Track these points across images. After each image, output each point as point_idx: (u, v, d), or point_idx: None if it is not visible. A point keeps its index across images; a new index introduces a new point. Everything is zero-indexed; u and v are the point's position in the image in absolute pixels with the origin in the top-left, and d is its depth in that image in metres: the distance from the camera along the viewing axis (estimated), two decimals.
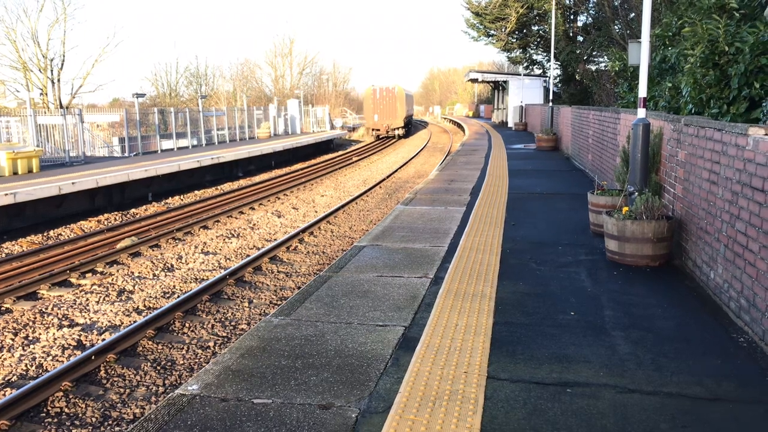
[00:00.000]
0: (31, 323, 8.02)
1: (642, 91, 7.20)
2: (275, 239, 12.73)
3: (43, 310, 8.49)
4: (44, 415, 5.69)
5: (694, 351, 4.33)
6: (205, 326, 7.82)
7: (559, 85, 33.88)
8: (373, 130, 42.85)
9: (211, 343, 7.29)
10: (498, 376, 3.98)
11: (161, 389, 6.19)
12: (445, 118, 76.93)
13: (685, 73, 7.69)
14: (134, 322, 7.92)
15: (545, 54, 36.86)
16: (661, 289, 5.75)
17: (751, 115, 6.38)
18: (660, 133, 7.38)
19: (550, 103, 24.24)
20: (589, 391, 3.75)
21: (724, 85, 6.86)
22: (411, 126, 49.89)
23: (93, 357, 6.56)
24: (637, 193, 6.93)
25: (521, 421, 3.42)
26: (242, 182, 22.22)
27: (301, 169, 24.80)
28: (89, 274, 10.31)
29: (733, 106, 6.58)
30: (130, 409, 5.79)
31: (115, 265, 10.88)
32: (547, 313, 5.14)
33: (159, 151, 25.20)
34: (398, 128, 42.56)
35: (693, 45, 7.33)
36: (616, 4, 24.06)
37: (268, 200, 17.70)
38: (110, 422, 5.57)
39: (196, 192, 19.87)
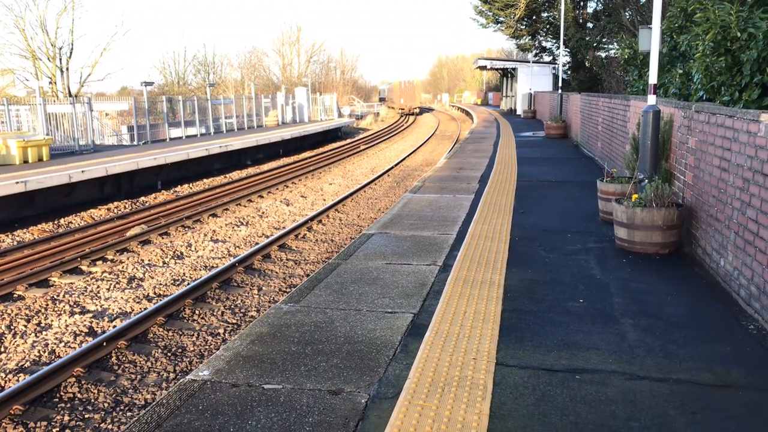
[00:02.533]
0: (43, 310, 8.10)
1: (652, 77, 7.15)
2: (284, 227, 12.76)
3: (55, 297, 8.57)
4: (57, 400, 5.76)
5: (704, 338, 4.33)
6: (215, 313, 7.87)
7: (569, 72, 33.63)
8: (399, 109, 58.46)
9: (221, 330, 7.34)
10: (507, 363, 3.99)
11: (172, 375, 6.25)
12: (453, 106, 76.63)
13: (695, 59, 7.62)
14: (145, 309, 7.99)
15: (554, 41, 36.57)
16: (670, 276, 5.74)
17: (763, 102, 6.31)
18: (670, 120, 7.33)
19: (559, 91, 24.10)
20: (598, 378, 3.76)
21: (735, 72, 6.78)
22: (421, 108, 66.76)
23: (104, 343, 6.63)
24: (646, 181, 6.90)
25: (530, 407, 3.43)
26: (250, 170, 22.26)
27: (309, 158, 24.80)
28: (100, 262, 10.38)
29: (746, 92, 6.51)
30: (142, 394, 5.86)
31: (125, 253, 10.95)
32: (555, 301, 5.14)
33: (167, 140, 25.26)
34: (415, 108, 58.87)
35: (704, 31, 7.25)
36: None
37: (277, 188, 17.74)
38: (122, 407, 5.64)
39: (204, 180, 19.93)
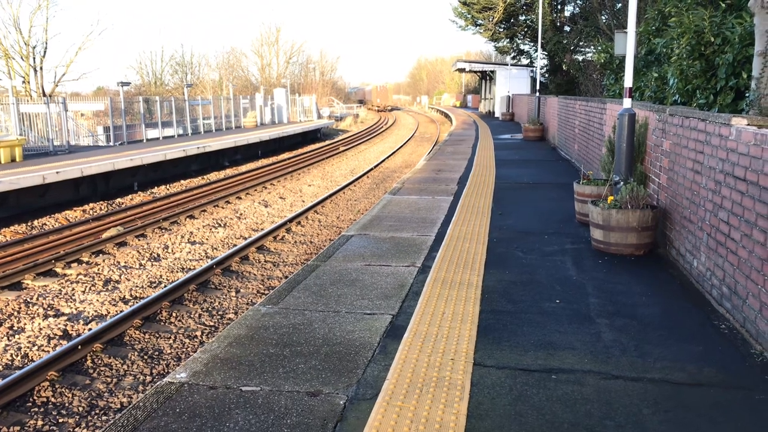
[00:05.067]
0: (16, 313, 7.96)
1: (628, 81, 7.25)
2: (262, 229, 12.70)
3: (28, 300, 8.43)
4: (30, 404, 5.67)
5: (677, 338, 4.40)
6: (192, 316, 7.81)
7: (546, 75, 33.95)
8: (376, 106, 77.07)
9: (198, 333, 7.28)
10: (484, 363, 4.02)
11: (149, 378, 6.19)
12: (432, 108, 77.17)
13: (671, 63, 7.75)
14: (121, 311, 7.89)
15: (532, 44, 36.90)
16: (645, 277, 5.82)
17: (737, 106, 6.44)
18: (645, 123, 7.44)
19: (537, 93, 24.31)
20: (574, 378, 3.81)
21: (710, 76, 6.92)
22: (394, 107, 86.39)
23: (79, 347, 6.54)
24: (622, 183, 6.99)
25: (507, 407, 3.46)
26: (229, 172, 22.11)
27: (288, 159, 24.71)
28: (75, 264, 10.24)
29: (720, 96, 6.64)
30: (118, 398, 5.79)
31: (100, 255, 10.81)
32: (533, 301, 5.19)
33: (144, 141, 24.99)
34: (388, 106, 78.34)
35: (679, 35, 7.38)
36: None
37: (255, 190, 17.64)
38: (97, 411, 5.57)
39: (182, 181, 19.75)
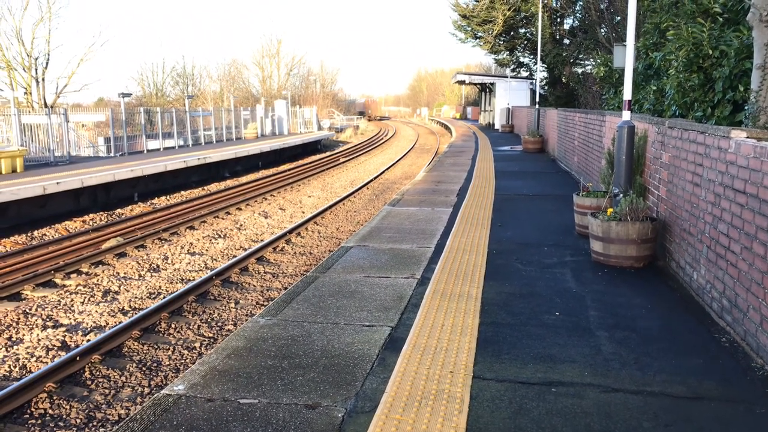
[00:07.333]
0: (14, 324, 7.94)
1: (627, 93, 7.27)
2: (262, 240, 12.69)
3: (27, 310, 8.41)
4: (28, 416, 5.64)
5: (677, 351, 4.38)
6: (191, 327, 7.79)
7: (546, 88, 34.08)
8: (367, 116, 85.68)
9: (197, 344, 7.26)
10: (483, 376, 4.00)
11: (147, 390, 6.16)
12: (432, 120, 77.40)
13: (669, 76, 7.78)
14: (120, 322, 7.87)
15: (532, 56, 37.05)
16: (645, 289, 5.81)
17: (735, 119, 6.45)
18: (645, 136, 7.45)
19: (537, 106, 24.39)
20: (574, 391, 3.79)
21: (708, 89, 6.94)
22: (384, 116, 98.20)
23: (77, 358, 6.51)
24: (621, 195, 6.99)
25: (506, 421, 3.44)
26: (229, 183, 22.13)
27: (289, 170, 24.74)
28: (74, 275, 10.22)
29: (718, 109, 6.65)
30: (115, 410, 5.76)
31: (100, 266, 10.80)
32: (532, 314, 5.18)
33: (145, 152, 25.04)
34: (377, 116, 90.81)
35: (677, 48, 7.41)
36: (602, 7, 24.25)
37: (255, 201, 17.65)
38: (95, 423, 5.54)
39: (182, 192, 19.76)
